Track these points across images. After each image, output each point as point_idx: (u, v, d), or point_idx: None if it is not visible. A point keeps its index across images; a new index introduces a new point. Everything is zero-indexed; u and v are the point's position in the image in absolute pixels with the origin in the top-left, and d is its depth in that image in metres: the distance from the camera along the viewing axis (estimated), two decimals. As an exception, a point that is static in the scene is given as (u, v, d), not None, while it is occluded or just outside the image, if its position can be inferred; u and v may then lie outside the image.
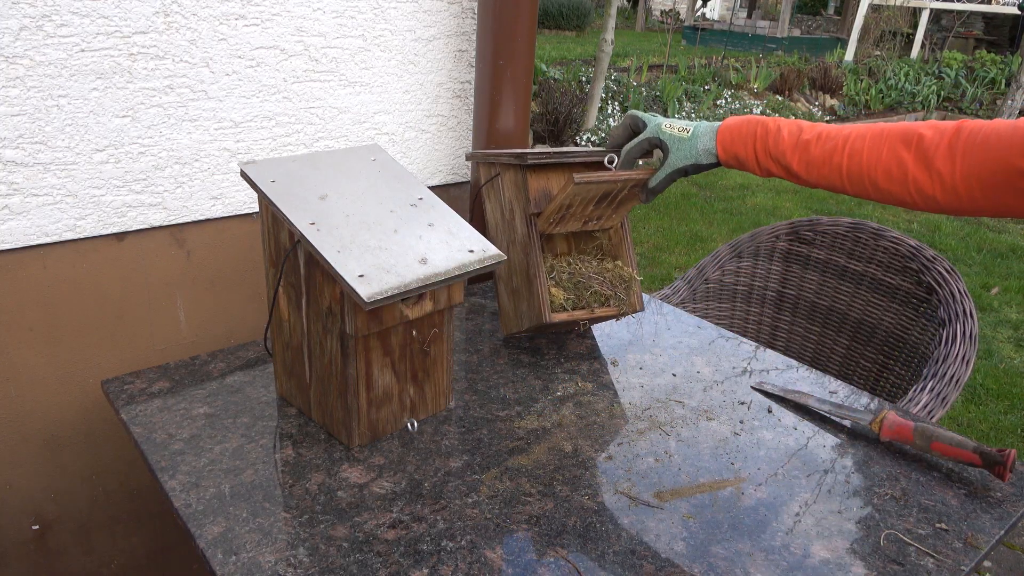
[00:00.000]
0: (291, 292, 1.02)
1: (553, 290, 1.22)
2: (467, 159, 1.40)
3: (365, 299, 0.85)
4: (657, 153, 1.13)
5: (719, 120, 1.09)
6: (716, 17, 20.47)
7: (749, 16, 17.94)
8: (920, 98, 9.18)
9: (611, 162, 1.15)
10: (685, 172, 1.09)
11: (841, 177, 0.96)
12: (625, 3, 21.56)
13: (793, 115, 8.32)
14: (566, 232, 1.30)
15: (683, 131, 1.07)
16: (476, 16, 1.53)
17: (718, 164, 1.07)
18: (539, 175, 1.22)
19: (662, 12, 20.53)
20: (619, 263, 1.29)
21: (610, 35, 6.23)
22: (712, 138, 1.05)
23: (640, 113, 1.13)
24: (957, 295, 1.44)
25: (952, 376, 1.36)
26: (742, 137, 1.03)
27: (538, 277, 1.20)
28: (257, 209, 1.23)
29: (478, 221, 1.39)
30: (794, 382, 1.27)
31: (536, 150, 1.26)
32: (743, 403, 1.19)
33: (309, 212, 0.94)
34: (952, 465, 1.05)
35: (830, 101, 9.10)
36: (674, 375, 1.26)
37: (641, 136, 1.11)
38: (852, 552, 0.88)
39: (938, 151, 0.86)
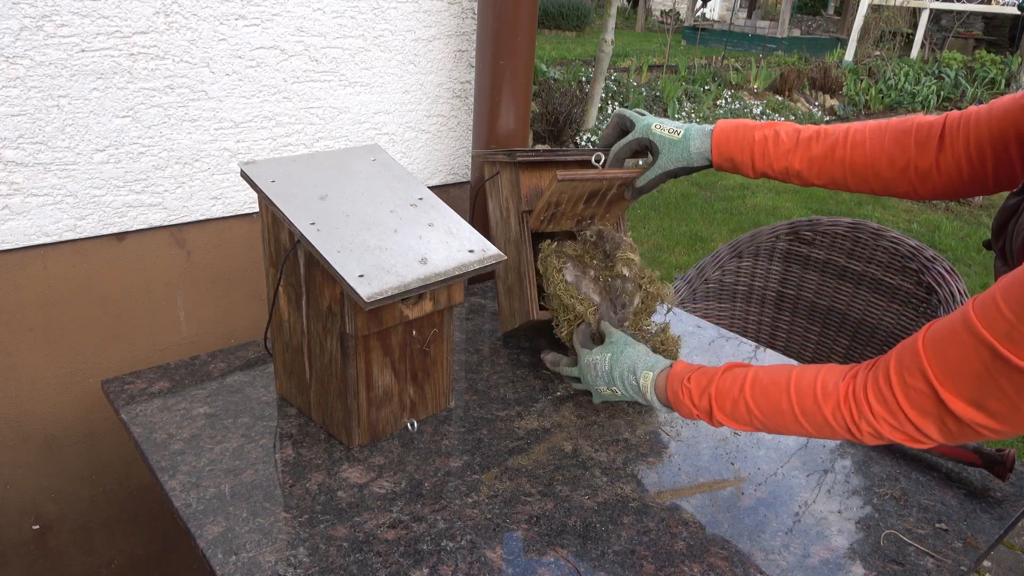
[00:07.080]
0: (291, 292, 1.02)
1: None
2: (472, 157, 1.40)
3: (365, 299, 0.85)
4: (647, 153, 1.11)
5: (712, 122, 1.07)
6: (716, 17, 20.48)
7: (749, 16, 17.96)
8: (920, 98, 9.19)
9: (598, 160, 1.13)
10: (675, 174, 1.08)
11: (844, 170, 0.98)
12: (625, 3, 21.56)
13: (793, 115, 8.32)
14: (562, 231, 1.30)
15: (674, 132, 1.06)
16: (476, 16, 1.53)
17: (709, 167, 1.06)
18: (532, 173, 1.22)
19: (662, 12, 20.54)
20: (649, 278, 1.16)
21: (610, 35, 6.24)
22: (706, 141, 1.04)
23: (629, 112, 1.11)
24: (957, 295, 1.44)
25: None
26: (738, 141, 1.03)
27: (527, 275, 1.20)
28: (257, 209, 1.23)
29: (479, 219, 1.39)
30: (794, 382, 1.26)
31: (529, 148, 1.26)
32: (743, 403, 1.18)
33: (309, 212, 0.94)
34: (952, 465, 1.06)
35: (830, 101, 9.11)
36: (674, 375, 1.26)
37: (630, 136, 1.09)
38: (852, 552, 0.88)
39: (932, 130, 0.92)
